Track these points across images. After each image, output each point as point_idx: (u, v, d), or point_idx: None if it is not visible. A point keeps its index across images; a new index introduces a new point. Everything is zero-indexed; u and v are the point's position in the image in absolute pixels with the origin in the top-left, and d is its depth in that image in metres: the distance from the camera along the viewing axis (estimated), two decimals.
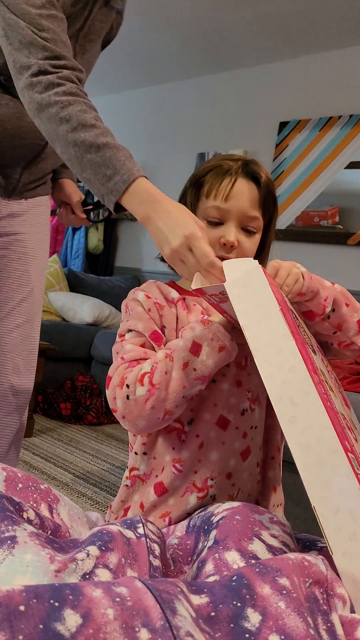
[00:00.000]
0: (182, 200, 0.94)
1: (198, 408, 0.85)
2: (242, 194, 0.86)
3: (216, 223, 0.87)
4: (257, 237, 0.91)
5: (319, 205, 3.02)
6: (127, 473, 0.89)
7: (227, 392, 0.85)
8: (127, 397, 0.78)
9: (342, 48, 3.01)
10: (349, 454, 0.54)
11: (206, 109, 3.65)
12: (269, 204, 0.91)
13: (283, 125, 3.21)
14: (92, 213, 1.31)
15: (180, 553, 0.63)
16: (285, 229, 3.12)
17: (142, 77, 3.85)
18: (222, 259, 0.78)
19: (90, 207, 1.29)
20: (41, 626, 0.32)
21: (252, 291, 0.65)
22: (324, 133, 3.03)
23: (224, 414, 0.84)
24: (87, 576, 0.46)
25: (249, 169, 0.88)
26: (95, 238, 3.93)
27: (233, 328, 0.78)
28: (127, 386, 0.78)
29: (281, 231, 3.16)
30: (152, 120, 3.97)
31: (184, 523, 0.72)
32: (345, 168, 2.93)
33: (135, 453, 0.88)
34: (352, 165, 2.91)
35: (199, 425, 0.84)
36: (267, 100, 3.33)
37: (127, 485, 0.88)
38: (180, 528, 0.71)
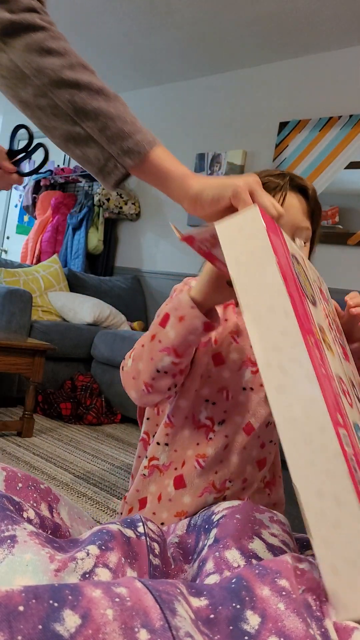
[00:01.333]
0: None
1: (232, 411, 0.88)
2: (293, 207, 0.87)
3: None
4: (306, 247, 0.92)
5: None
6: (145, 462, 0.91)
7: (258, 402, 0.88)
8: (122, 369, 0.86)
9: (342, 48, 3.01)
10: (340, 430, 0.49)
11: (206, 109, 3.65)
12: (316, 214, 0.92)
13: (283, 125, 3.21)
14: (22, 164, 0.95)
15: (181, 552, 0.63)
16: None
17: (142, 77, 3.85)
18: None
19: (21, 155, 0.94)
20: (40, 627, 0.32)
21: (246, 236, 0.55)
22: (324, 133, 3.03)
23: (252, 422, 0.88)
24: (87, 575, 0.46)
25: (295, 183, 0.89)
26: (95, 238, 3.93)
27: (216, 291, 0.74)
28: (124, 359, 0.86)
29: None
30: (152, 120, 3.97)
31: (185, 522, 0.72)
32: (345, 168, 2.93)
33: (157, 443, 0.90)
34: (352, 165, 2.91)
35: (229, 426, 0.87)
36: (267, 100, 3.33)
37: (144, 475, 0.90)
38: (181, 527, 0.71)
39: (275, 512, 0.67)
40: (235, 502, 0.66)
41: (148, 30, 3.16)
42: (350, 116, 2.92)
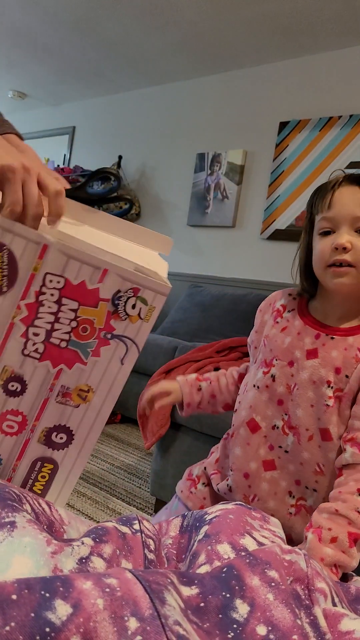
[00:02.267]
0: (302, 241, 0.95)
1: (242, 403, 0.97)
2: (344, 198, 0.86)
3: (328, 232, 0.86)
4: None
5: None
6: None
7: (265, 402, 0.93)
8: None
9: (342, 48, 3.01)
10: None
11: (206, 109, 3.66)
12: None
13: (283, 125, 3.21)
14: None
15: (174, 552, 0.64)
16: (285, 229, 3.13)
17: (142, 77, 3.86)
18: (340, 265, 0.83)
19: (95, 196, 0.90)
20: (32, 614, 0.33)
21: None
22: (324, 133, 3.03)
23: (257, 419, 0.93)
24: (83, 560, 0.47)
25: (349, 176, 0.88)
26: None
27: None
28: None
29: (281, 231, 3.16)
30: (152, 120, 3.98)
31: (177, 523, 0.73)
32: (345, 168, 2.93)
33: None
34: (352, 165, 2.91)
35: (236, 417, 0.97)
36: (267, 100, 3.33)
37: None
38: (174, 528, 0.71)
39: (269, 517, 0.67)
40: (229, 505, 0.67)
41: (148, 30, 3.17)
42: (350, 116, 2.93)
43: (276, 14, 2.78)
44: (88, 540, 0.50)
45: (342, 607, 0.49)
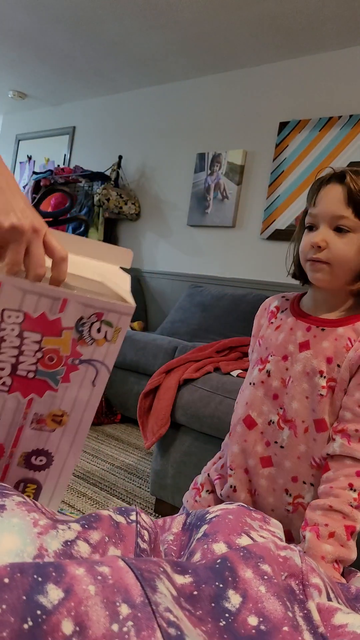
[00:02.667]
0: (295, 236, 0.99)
1: (239, 402, 1.00)
2: (327, 196, 0.88)
3: (310, 228, 0.90)
4: (353, 236, 0.87)
5: None
6: None
7: (260, 398, 0.95)
8: None
9: (342, 48, 3.01)
10: None
11: (206, 109, 3.66)
12: (355, 199, 0.87)
13: (283, 125, 3.22)
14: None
15: (175, 548, 0.64)
16: (285, 229, 3.13)
17: (142, 77, 3.87)
18: (316, 261, 0.86)
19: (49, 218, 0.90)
20: (24, 597, 0.34)
21: None
22: (324, 133, 3.04)
23: (253, 416, 0.95)
24: (68, 543, 0.48)
25: (337, 174, 0.89)
26: (95, 238, 3.94)
27: None
28: None
29: (281, 231, 3.16)
30: (152, 120, 3.99)
31: (180, 520, 0.73)
32: None
33: None
34: (352, 165, 2.91)
35: (233, 416, 0.99)
36: (267, 100, 3.34)
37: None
38: (177, 525, 0.72)
39: (270, 518, 0.68)
40: (231, 505, 0.68)
41: (148, 30, 3.17)
42: (350, 116, 2.93)
43: (276, 14, 2.78)
44: (75, 526, 0.51)
45: (338, 603, 0.50)
